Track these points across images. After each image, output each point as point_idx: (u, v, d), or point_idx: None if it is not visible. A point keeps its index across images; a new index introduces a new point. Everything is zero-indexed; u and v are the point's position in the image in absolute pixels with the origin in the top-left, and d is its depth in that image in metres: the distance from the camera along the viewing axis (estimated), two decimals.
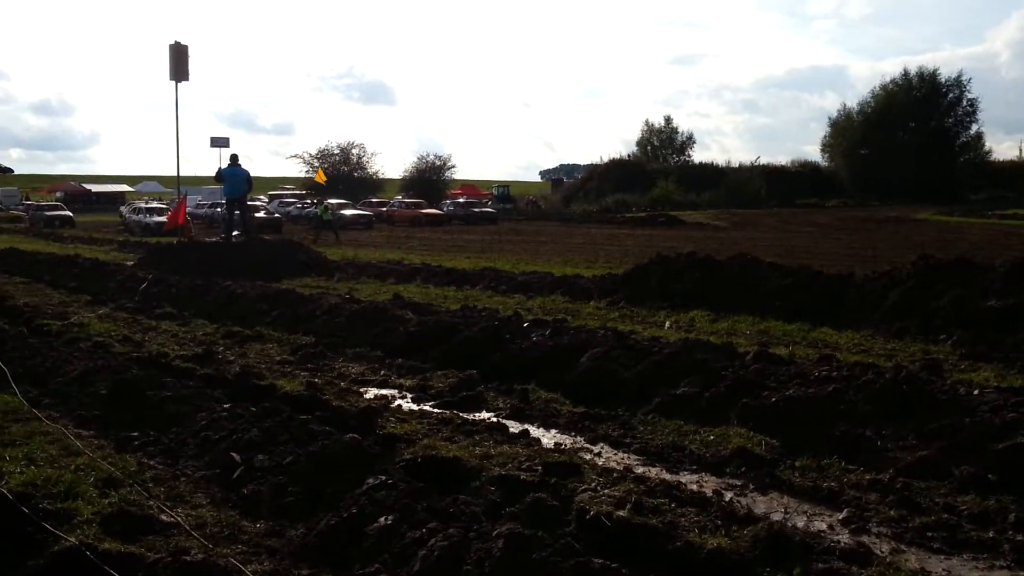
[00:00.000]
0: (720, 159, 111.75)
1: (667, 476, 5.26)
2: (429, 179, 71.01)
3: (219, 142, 34.01)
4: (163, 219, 37.90)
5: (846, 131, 73.75)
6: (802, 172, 74.04)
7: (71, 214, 52.23)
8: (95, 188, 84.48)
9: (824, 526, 4.49)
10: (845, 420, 5.87)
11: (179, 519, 4.41)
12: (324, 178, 32.53)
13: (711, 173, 71.87)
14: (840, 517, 4.59)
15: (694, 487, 5.00)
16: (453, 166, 75.03)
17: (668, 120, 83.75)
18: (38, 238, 36.28)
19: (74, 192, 79.32)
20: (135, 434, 6.03)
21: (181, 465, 5.43)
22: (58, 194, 76.34)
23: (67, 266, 19.06)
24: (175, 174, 32.61)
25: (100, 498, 4.63)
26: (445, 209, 53.86)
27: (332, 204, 39.96)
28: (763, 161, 76.09)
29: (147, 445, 5.83)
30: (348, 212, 46.98)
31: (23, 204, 65.76)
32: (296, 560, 4.08)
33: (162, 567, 3.75)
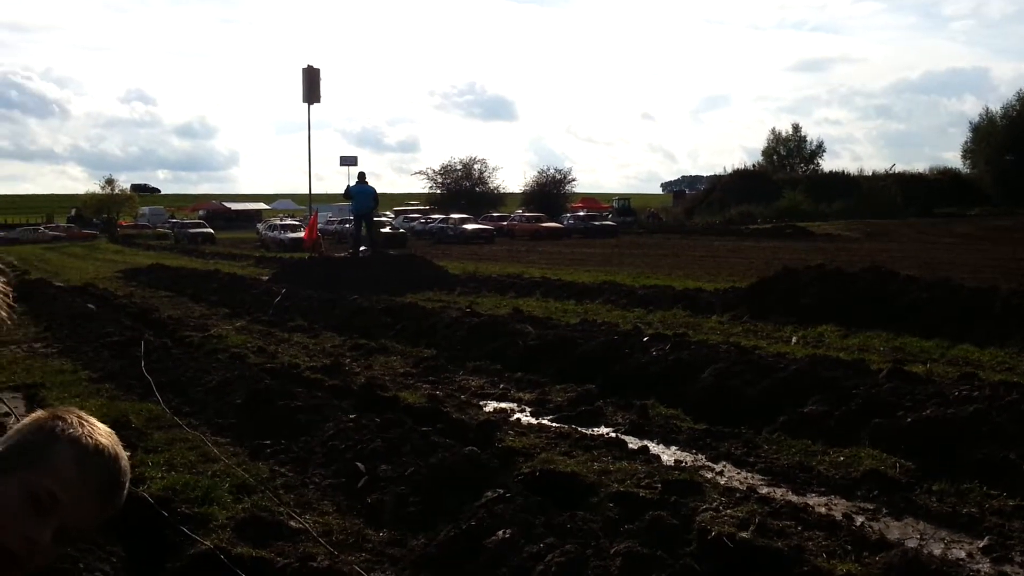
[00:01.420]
0: (851, 167, 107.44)
1: (793, 498, 5.07)
2: (549, 193, 71.38)
3: (348, 161, 35.27)
4: (297, 235, 39.60)
5: (989, 136, 69.58)
6: (941, 180, 70.33)
7: (212, 231, 55.29)
8: (234, 206, 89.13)
9: (963, 554, 4.23)
10: (987, 442, 5.51)
11: (307, 526, 4.56)
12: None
13: (842, 182, 69.13)
14: (981, 545, 4.31)
15: (822, 510, 4.80)
16: (573, 180, 75.27)
17: (796, 128, 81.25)
18: (182, 254, 38.57)
19: (215, 210, 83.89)
20: (267, 442, 6.29)
21: (309, 473, 5.63)
22: (201, 212, 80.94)
23: (208, 281, 20.17)
24: (307, 192, 33.99)
25: (234, 503, 4.86)
26: (565, 223, 53.98)
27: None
28: (898, 169, 72.80)
29: (278, 453, 6.07)
30: (469, 226, 47.75)
31: (169, 222, 70.10)
32: (416, 570, 4.16)
33: (290, 572, 3.89)
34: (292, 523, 4.60)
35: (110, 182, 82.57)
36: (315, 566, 3.92)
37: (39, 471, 1.30)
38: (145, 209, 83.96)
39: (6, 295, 1.45)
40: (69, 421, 1.36)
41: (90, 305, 15.06)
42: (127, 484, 1.41)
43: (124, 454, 1.41)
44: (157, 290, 19.96)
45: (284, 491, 5.21)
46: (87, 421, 1.39)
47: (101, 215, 78.35)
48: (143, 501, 4.76)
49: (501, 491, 4.71)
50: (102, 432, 1.39)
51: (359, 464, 5.48)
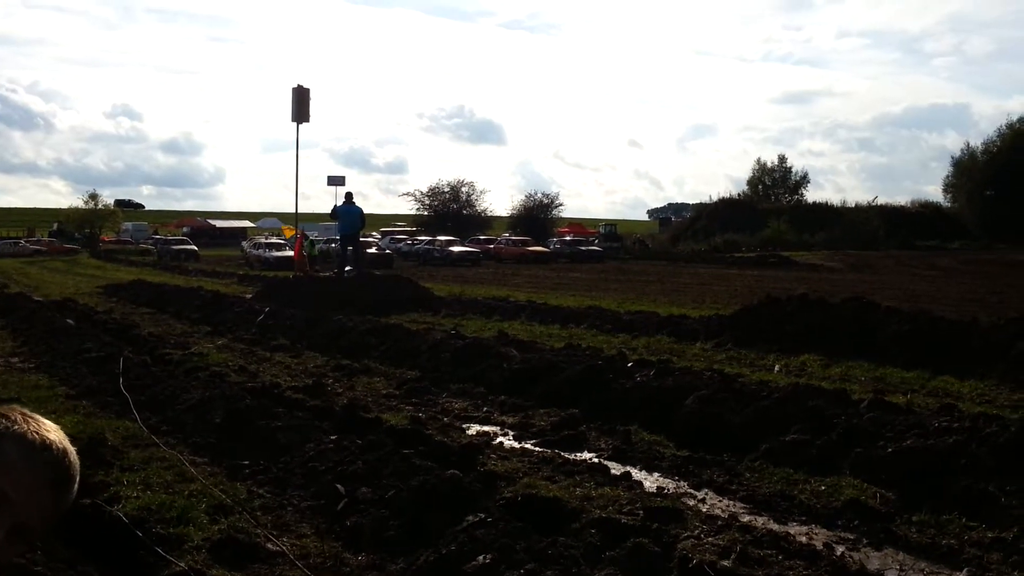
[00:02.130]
0: (835, 199, 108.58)
1: (775, 526, 5.06)
2: (536, 217, 71.57)
3: (336, 180, 35.23)
4: (282, 254, 39.50)
5: (970, 171, 70.51)
6: (923, 213, 71.10)
7: (196, 248, 55.01)
8: (219, 223, 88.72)
9: None
10: (966, 474, 5.53)
11: (284, 548, 4.51)
12: (291, 232, 31.76)
13: (825, 213, 69.78)
14: None
15: (803, 539, 4.79)
16: (560, 204, 75.48)
17: (782, 159, 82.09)
18: (165, 271, 38.33)
19: (199, 227, 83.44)
20: (246, 462, 6.22)
21: (288, 494, 5.57)
22: (184, 229, 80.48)
23: (190, 298, 20.04)
24: (294, 211, 33.94)
25: (210, 524, 4.79)
26: (552, 247, 54.11)
27: (312, 237, 35.71)
28: (881, 201, 73.52)
29: (257, 473, 6.01)
30: (456, 249, 47.78)
31: (152, 238, 69.67)
32: None
33: None
34: (269, 545, 4.54)
35: (93, 197, 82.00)
36: None
37: None
38: (128, 225, 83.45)
39: None
40: (12, 418, 1.34)
41: (69, 320, 14.91)
42: (77, 478, 1.39)
43: (72, 448, 1.39)
44: (138, 306, 19.81)
45: (262, 513, 5.15)
46: (32, 417, 1.37)
47: (83, 230, 77.82)
48: (117, 521, 4.69)
49: (483, 515, 4.68)
50: (48, 428, 1.37)
51: (339, 486, 5.43)
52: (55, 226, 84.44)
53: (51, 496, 1.33)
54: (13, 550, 1.31)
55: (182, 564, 4.09)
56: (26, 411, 1.39)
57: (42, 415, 1.43)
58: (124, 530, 4.52)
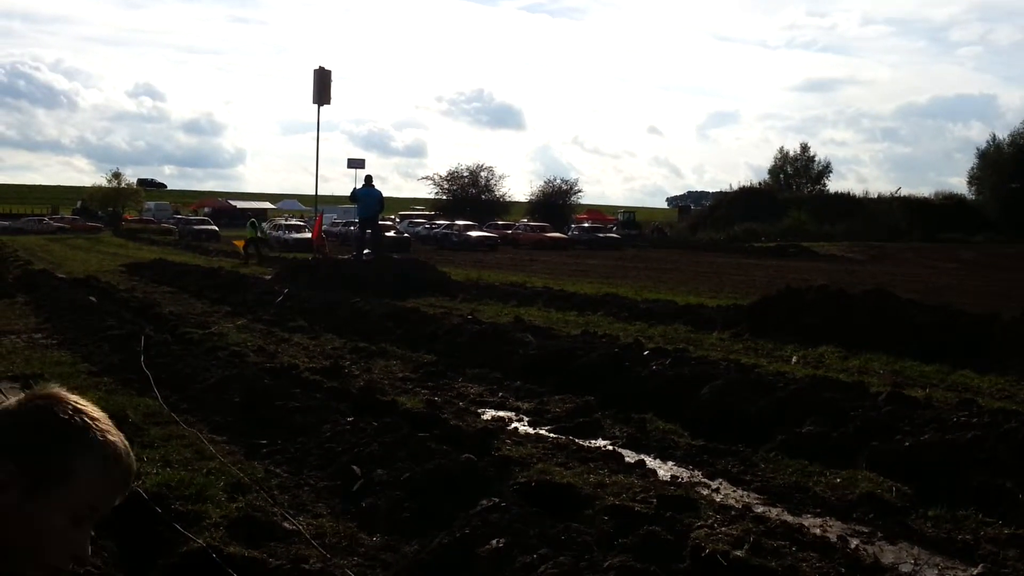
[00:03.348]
0: (857, 189, 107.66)
1: (788, 518, 5.06)
2: (555, 203, 71.49)
3: (356, 163, 35.25)
4: (302, 236, 39.70)
5: (996, 163, 69.58)
6: (947, 205, 70.30)
7: (216, 228, 55.35)
8: (240, 204, 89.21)
9: None
10: (984, 469, 5.49)
11: (300, 527, 4.56)
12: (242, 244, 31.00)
13: (847, 203, 69.14)
14: (975, 572, 4.30)
15: (817, 531, 4.78)
16: (579, 191, 75.40)
17: (805, 148, 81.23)
18: (186, 250, 38.60)
19: (220, 208, 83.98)
20: (264, 442, 6.28)
21: (305, 474, 5.62)
22: (206, 209, 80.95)
23: (210, 278, 20.19)
24: (313, 193, 34.03)
25: (228, 502, 4.85)
26: (570, 233, 54.02)
27: (258, 223, 34.34)
28: (904, 192, 72.78)
29: (274, 453, 6.07)
30: (474, 233, 47.80)
31: (174, 218, 70.16)
32: None
33: (282, 574, 3.88)
34: (286, 524, 4.59)
35: (117, 176, 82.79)
36: (307, 568, 3.91)
37: (74, 489, 1.34)
38: (150, 204, 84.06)
39: None
40: (75, 422, 1.36)
41: (91, 298, 15.07)
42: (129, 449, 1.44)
43: (122, 435, 1.43)
44: (159, 285, 19.98)
45: (279, 492, 5.21)
46: (85, 412, 1.39)
47: (107, 208, 78.49)
48: (137, 496, 4.76)
49: (496, 500, 4.70)
50: (105, 424, 1.40)
51: (355, 467, 5.47)
52: (79, 204, 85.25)
53: (122, 493, 1.42)
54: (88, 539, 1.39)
55: (200, 540, 4.14)
56: (73, 399, 1.40)
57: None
58: (144, 506, 4.58)
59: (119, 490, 1.40)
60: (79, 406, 1.39)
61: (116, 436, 1.40)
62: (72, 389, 1.49)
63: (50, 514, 1.33)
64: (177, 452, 5.83)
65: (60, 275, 21.02)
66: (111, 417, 4.53)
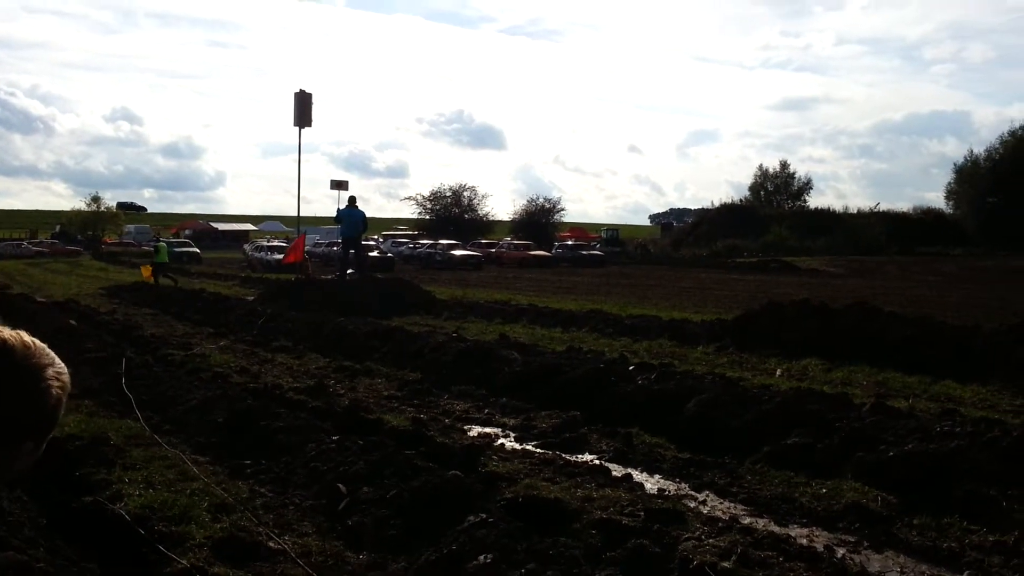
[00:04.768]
0: (836, 205, 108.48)
1: (775, 528, 5.07)
2: (538, 221, 71.67)
3: (339, 185, 35.26)
4: (284, 257, 39.54)
5: (973, 178, 70.51)
6: (925, 219, 71.11)
7: (198, 251, 55.08)
8: (221, 227, 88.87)
9: None
10: (968, 478, 5.53)
11: (286, 547, 4.52)
12: (148, 272, 29.05)
13: (827, 219, 69.82)
14: None
15: (804, 541, 4.79)
16: (562, 209, 75.66)
17: (784, 165, 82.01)
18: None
19: (202, 230, 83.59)
20: (248, 462, 6.23)
21: (290, 494, 5.58)
22: (187, 232, 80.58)
23: (192, 300, 20.07)
24: (296, 214, 33.99)
25: (212, 523, 4.80)
26: (553, 251, 54.14)
27: (163, 246, 31.59)
28: (883, 207, 73.54)
29: (259, 473, 6.02)
30: (457, 252, 47.82)
31: (154, 241, 69.74)
32: None
33: None
34: (271, 544, 4.55)
35: (96, 199, 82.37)
36: None
37: (42, 424, 1.36)
38: (130, 227, 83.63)
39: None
40: (31, 348, 1.38)
41: (72, 321, 14.93)
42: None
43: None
44: (140, 308, 19.84)
45: (264, 511, 5.16)
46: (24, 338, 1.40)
47: (86, 232, 78.00)
48: (120, 519, 4.70)
49: (484, 516, 4.68)
50: (41, 348, 1.41)
51: (340, 486, 5.43)
52: (57, 228, 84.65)
53: (62, 407, 1.41)
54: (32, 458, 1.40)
55: (184, 562, 4.10)
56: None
57: None
58: (127, 528, 4.53)
59: (63, 401, 1.41)
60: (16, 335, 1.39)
61: (52, 353, 1.41)
62: None
63: (29, 447, 1.37)
64: (160, 473, 5.77)
65: (40, 299, 20.83)
66: (93, 439, 4.47)
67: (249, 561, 4.30)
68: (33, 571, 3.64)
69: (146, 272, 28.25)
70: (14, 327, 1.42)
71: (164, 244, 32.36)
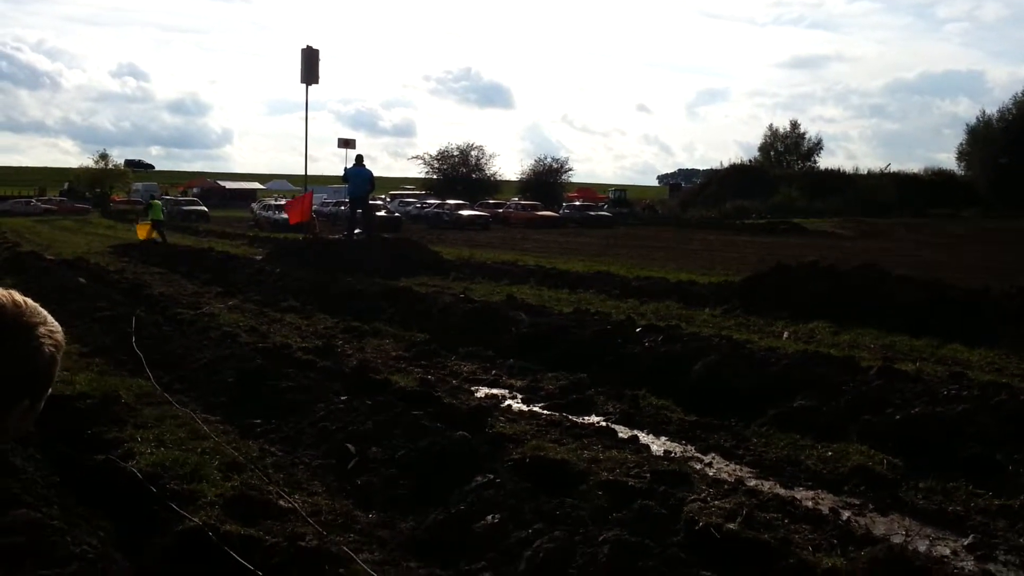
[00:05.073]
0: (847, 165, 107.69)
1: (781, 491, 5.10)
2: (546, 181, 71.31)
3: (346, 143, 35.07)
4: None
5: (985, 139, 69.72)
6: (936, 180, 70.49)
7: (206, 209, 55.03)
8: (229, 185, 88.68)
9: (948, 551, 4.27)
10: (974, 442, 5.55)
11: (296, 505, 4.57)
12: (145, 231, 28.32)
13: (838, 180, 69.27)
14: (965, 543, 4.35)
15: (809, 504, 4.83)
16: (570, 169, 75.23)
17: (795, 125, 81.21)
18: (175, 231, 38.38)
19: (209, 188, 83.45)
20: (258, 421, 6.28)
21: (299, 453, 5.63)
22: (195, 190, 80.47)
23: (201, 258, 20.11)
24: (303, 173, 33.89)
25: (223, 481, 4.85)
26: (561, 212, 53.95)
27: (157, 203, 31.20)
28: (894, 168, 72.93)
29: (268, 432, 6.07)
30: (465, 212, 47.70)
31: (162, 199, 69.72)
32: (405, 552, 4.17)
33: (279, 551, 3.89)
34: (281, 502, 4.60)
35: (104, 157, 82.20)
36: (304, 545, 3.92)
37: (36, 382, 1.39)
38: (139, 185, 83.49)
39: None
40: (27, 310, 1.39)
41: (81, 279, 14.99)
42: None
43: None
44: (149, 266, 19.88)
45: (274, 470, 5.21)
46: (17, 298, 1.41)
47: (94, 189, 77.93)
48: (132, 477, 4.76)
49: (491, 476, 4.72)
50: (34, 307, 1.43)
51: (349, 446, 5.48)
52: (65, 186, 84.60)
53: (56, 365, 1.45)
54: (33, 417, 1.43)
55: (196, 519, 4.15)
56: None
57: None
58: (139, 486, 4.59)
59: (58, 359, 1.45)
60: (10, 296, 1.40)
61: (43, 312, 1.43)
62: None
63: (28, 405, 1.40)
64: (171, 432, 5.82)
65: (49, 256, 20.89)
66: (104, 397, 4.49)
67: (260, 519, 4.35)
68: (46, 528, 3.69)
69: (142, 232, 28.11)
70: (24, 284, 1.42)
71: (158, 201, 32.26)
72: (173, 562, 3.89)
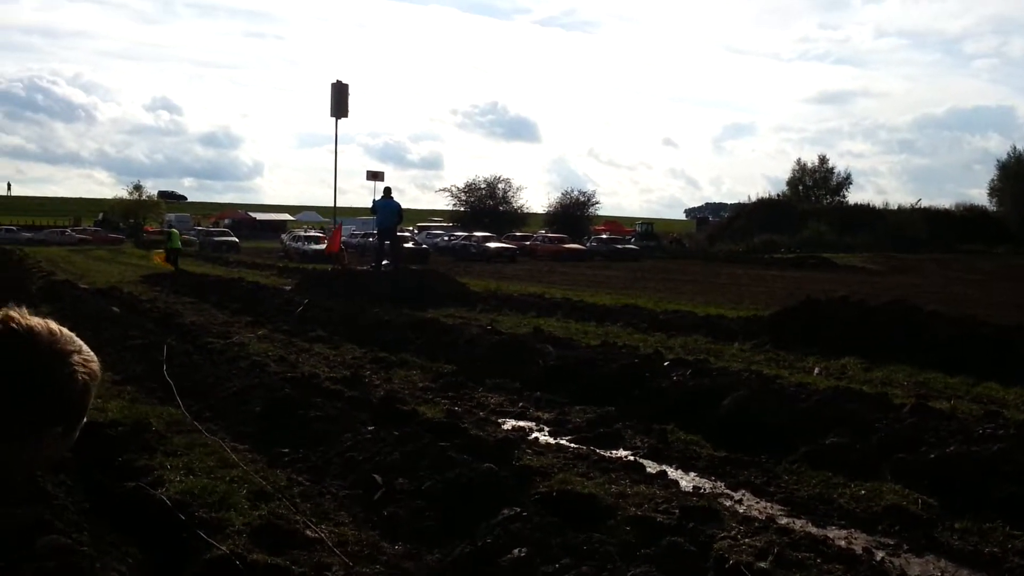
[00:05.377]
0: (876, 200, 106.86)
1: (813, 529, 5.01)
2: (573, 214, 71.48)
3: (375, 176, 35.46)
4: (320, 247, 39.87)
5: (1017, 174, 68.99)
6: (967, 216, 69.74)
7: (237, 240, 55.74)
8: (259, 216, 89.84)
9: None
10: (1010, 482, 5.43)
11: (323, 535, 4.56)
12: (161, 259, 28.67)
13: (867, 215, 68.72)
14: None
15: (842, 543, 4.74)
16: (597, 202, 75.41)
17: (823, 160, 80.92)
18: (206, 261, 38.88)
19: (240, 220, 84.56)
20: (286, 450, 6.30)
21: (326, 483, 5.63)
22: (226, 221, 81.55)
23: (231, 288, 20.32)
24: (332, 204, 34.26)
25: (251, 510, 4.87)
26: (588, 245, 53.99)
27: (175, 232, 32.80)
28: (924, 204, 72.27)
29: (296, 462, 6.08)
30: (492, 245, 47.88)
31: (194, 229, 70.73)
32: None
33: None
34: (308, 532, 4.60)
35: (138, 188, 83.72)
36: None
37: (70, 411, 1.40)
38: (171, 216, 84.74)
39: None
40: (61, 338, 1.40)
41: (114, 308, 15.21)
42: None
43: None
44: (180, 296, 20.12)
45: (301, 500, 5.22)
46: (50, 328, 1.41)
47: (128, 220, 79.24)
48: (161, 504, 4.79)
49: (518, 509, 4.69)
50: (67, 336, 1.43)
51: (376, 476, 5.48)
52: (100, 216, 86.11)
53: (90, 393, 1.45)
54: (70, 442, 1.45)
55: (224, 548, 4.16)
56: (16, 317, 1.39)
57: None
58: (167, 513, 4.61)
59: (93, 389, 1.45)
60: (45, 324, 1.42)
61: (80, 342, 1.44)
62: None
63: (69, 439, 1.44)
64: (200, 460, 5.85)
65: (83, 285, 21.22)
66: (135, 425, 4.54)
67: (287, 548, 4.35)
68: (77, 554, 3.72)
69: (159, 259, 28.65)
70: (60, 313, 1.45)
71: (176, 230, 32.95)
72: None
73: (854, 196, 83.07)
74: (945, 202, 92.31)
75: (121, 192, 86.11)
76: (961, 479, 5.57)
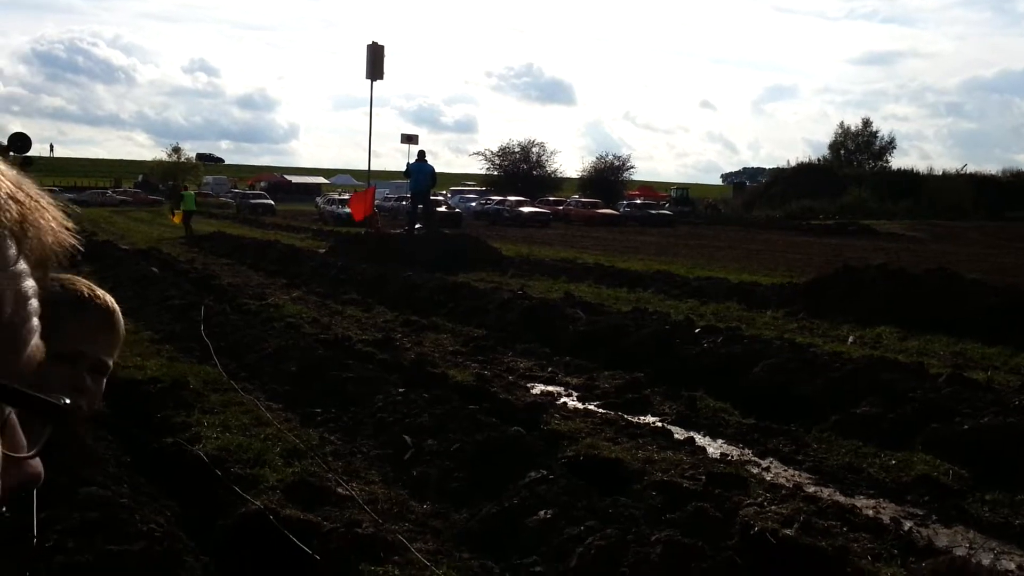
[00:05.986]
0: (920, 166, 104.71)
1: (840, 498, 5.01)
2: (607, 179, 70.93)
3: (409, 139, 35.38)
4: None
5: None
6: (1015, 182, 68.03)
7: (273, 203, 56.13)
8: (295, 179, 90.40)
9: (1013, 566, 4.15)
10: None
11: (354, 493, 4.65)
12: (179, 219, 28.96)
13: (910, 181, 67.25)
14: None
15: (870, 512, 4.73)
16: (632, 167, 74.67)
17: (867, 123, 79.19)
18: (243, 224, 39.27)
19: (276, 182, 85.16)
20: (318, 410, 6.41)
21: (358, 442, 5.73)
22: (262, 184, 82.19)
23: (267, 251, 20.53)
24: (366, 168, 34.34)
25: (284, 467, 4.98)
26: (621, 210, 53.64)
27: (190, 194, 32.42)
28: (970, 169, 70.60)
29: (328, 421, 6.19)
30: (526, 209, 47.73)
31: (231, 192, 71.40)
32: (458, 543, 4.22)
33: (336, 536, 3.98)
34: (340, 490, 4.69)
35: (177, 150, 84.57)
36: (360, 532, 4.00)
37: (64, 339, 1.43)
38: (209, 178, 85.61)
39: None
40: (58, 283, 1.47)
41: (153, 268, 15.46)
42: (119, 313, 1.56)
43: (101, 291, 1.55)
44: (218, 257, 20.39)
45: (333, 458, 5.32)
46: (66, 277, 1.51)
47: (167, 182, 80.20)
48: (198, 459, 4.91)
49: (544, 472, 4.74)
50: (81, 283, 1.53)
51: (406, 437, 5.56)
52: (140, 178, 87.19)
53: (109, 335, 1.53)
54: (100, 389, 1.50)
55: (258, 503, 4.26)
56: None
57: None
58: (204, 469, 4.73)
59: (101, 328, 1.51)
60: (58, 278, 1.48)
61: (86, 288, 1.53)
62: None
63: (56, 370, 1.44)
64: (236, 418, 5.98)
65: (123, 246, 21.57)
66: (173, 383, 4.66)
67: (318, 505, 4.45)
68: (116, 506, 3.83)
69: (176, 219, 29.44)
70: (101, 272, 1.55)
71: (191, 193, 33.42)
72: (235, 543, 4.00)
73: (897, 161, 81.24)
74: (992, 168, 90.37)
75: (161, 154, 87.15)
76: (995, 450, 5.51)
